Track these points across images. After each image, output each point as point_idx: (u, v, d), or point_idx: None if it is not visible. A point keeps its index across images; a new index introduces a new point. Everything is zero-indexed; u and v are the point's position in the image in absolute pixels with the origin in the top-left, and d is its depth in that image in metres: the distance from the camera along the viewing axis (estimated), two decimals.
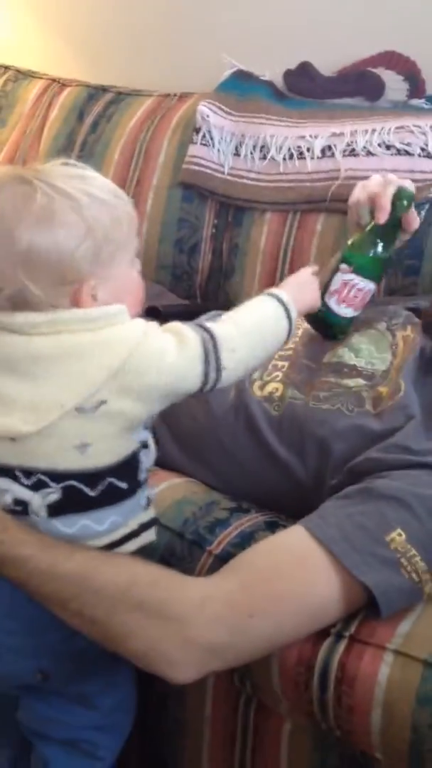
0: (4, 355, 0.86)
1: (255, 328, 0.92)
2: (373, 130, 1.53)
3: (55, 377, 0.84)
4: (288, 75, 1.74)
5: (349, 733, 0.93)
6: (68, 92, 1.90)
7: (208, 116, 1.67)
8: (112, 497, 0.88)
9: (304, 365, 1.17)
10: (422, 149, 1.48)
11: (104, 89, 1.88)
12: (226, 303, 1.63)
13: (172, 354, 0.86)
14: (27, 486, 0.87)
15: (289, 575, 0.91)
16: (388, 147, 1.51)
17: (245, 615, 0.88)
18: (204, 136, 1.67)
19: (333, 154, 1.55)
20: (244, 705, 1.07)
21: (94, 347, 0.85)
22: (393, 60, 1.67)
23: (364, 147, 1.52)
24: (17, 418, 0.85)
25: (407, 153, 1.49)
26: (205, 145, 1.67)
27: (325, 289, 1.11)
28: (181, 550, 1.04)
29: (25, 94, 1.95)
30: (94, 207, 0.85)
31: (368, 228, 1.13)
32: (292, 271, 1.55)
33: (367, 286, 1.13)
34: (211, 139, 1.67)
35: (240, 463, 1.15)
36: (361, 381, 1.13)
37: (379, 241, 1.13)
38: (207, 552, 1.03)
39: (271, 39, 1.80)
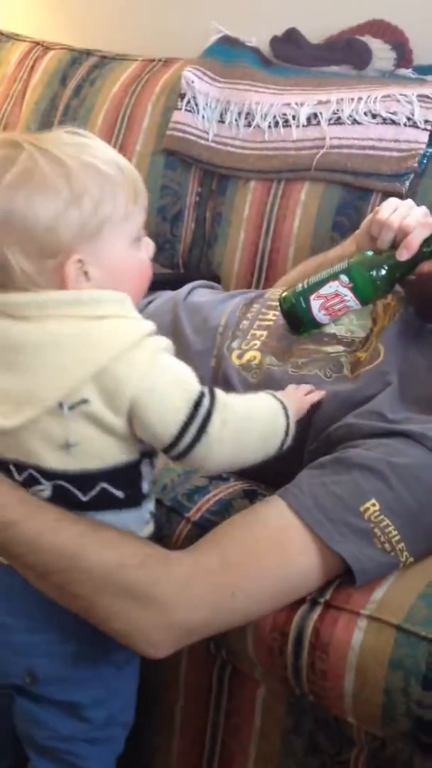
0: None
1: (251, 411, 0.86)
2: (360, 99, 1.51)
3: (38, 369, 0.80)
4: (275, 42, 1.72)
5: (323, 698, 0.94)
6: (51, 55, 1.87)
7: (193, 82, 1.65)
8: (106, 504, 0.85)
9: (283, 335, 1.17)
10: (408, 118, 1.47)
11: (88, 53, 1.85)
12: (209, 272, 1.62)
13: (163, 382, 0.80)
14: (19, 481, 0.85)
15: (268, 551, 0.91)
16: (374, 116, 1.50)
17: (227, 594, 0.89)
18: (189, 102, 1.65)
19: (319, 123, 1.53)
20: (218, 671, 1.08)
21: (79, 338, 0.80)
22: (381, 29, 1.66)
23: (350, 115, 1.51)
24: (0, 411, 0.82)
25: (393, 122, 1.48)
26: (189, 111, 1.65)
27: (312, 287, 1.09)
28: (160, 516, 1.04)
29: (8, 56, 1.92)
30: (86, 175, 0.80)
31: (385, 255, 1.09)
32: (275, 240, 1.55)
33: (355, 306, 1.09)
34: (196, 105, 1.65)
35: None
36: (340, 347, 1.13)
37: (389, 273, 1.08)
38: (185, 519, 1.03)
39: (258, 5, 1.78)
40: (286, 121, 1.56)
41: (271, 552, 0.91)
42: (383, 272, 1.08)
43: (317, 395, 1.00)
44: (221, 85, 1.66)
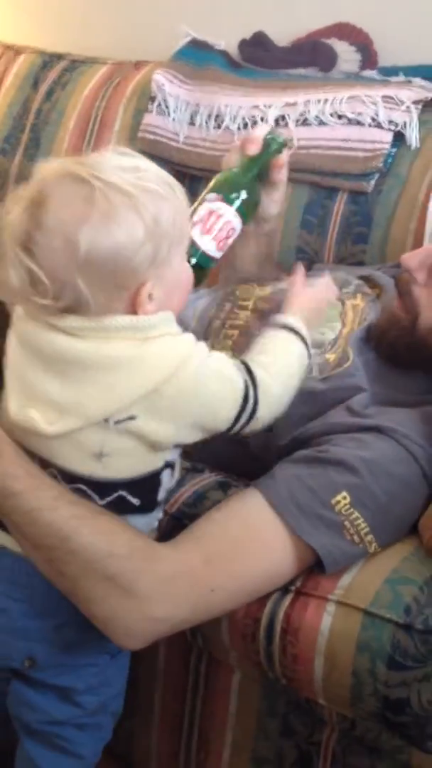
0: (43, 349, 0.84)
1: (284, 370, 0.92)
2: (326, 100, 1.54)
3: (87, 383, 0.83)
4: (243, 45, 1.75)
5: (294, 681, 0.97)
6: (23, 59, 1.89)
7: (163, 85, 1.68)
8: (121, 509, 0.88)
9: (254, 335, 1.19)
10: (373, 119, 1.50)
11: (59, 56, 1.87)
12: None
13: (212, 391, 0.85)
14: None
15: (247, 549, 0.94)
16: (339, 117, 1.52)
17: (207, 591, 0.91)
18: (159, 105, 1.68)
19: (287, 124, 1.56)
20: (195, 659, 1.11)
21: (133, 361, 0.83)
22: (346, 31, 1.68)
23: (317, 117, 1.54)
24: (41, 413, 0.84)
25: (358, 123, 1.51)
26: (160, 114, 1.68)
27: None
28: None
29: None
30: (151, 203, 0.80)
31: (239, 164, 1.12)
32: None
33: (233, 220, 1.07)
34: (167, 108, 1.68)
35: None
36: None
37: (244, 171, 1.11)
38: (163, 512, 1.05)
39: (226, 8, 1.81)
40: (255, 122, 1.58)
41: (251, 549, 0.94)
42: (237, 170, 1.11)
43: (326, 290, 1.04)
44: (191, 88, 1.68)
